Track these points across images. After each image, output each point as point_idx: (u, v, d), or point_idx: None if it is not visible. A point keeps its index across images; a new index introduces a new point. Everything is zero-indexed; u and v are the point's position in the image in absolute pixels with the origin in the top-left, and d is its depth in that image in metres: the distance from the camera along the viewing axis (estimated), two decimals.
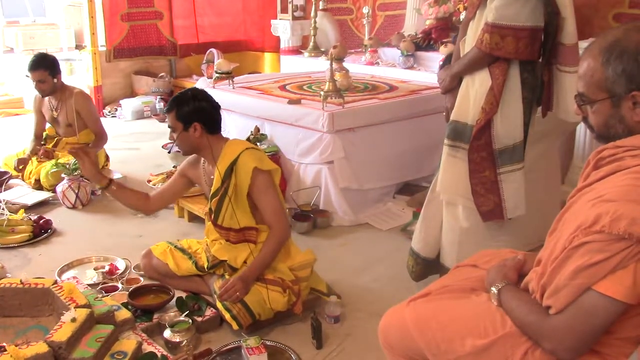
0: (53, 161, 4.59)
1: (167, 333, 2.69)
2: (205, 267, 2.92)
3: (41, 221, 3.95)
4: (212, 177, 2.91)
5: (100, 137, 4.85)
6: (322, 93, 4.15)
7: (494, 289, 1.74)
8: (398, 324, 1.86)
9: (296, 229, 3.89)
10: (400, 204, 4.32)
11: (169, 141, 5.35)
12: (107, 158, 5.07)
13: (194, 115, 2.82)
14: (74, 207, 4.30)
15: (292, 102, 4.28)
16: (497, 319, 1.68)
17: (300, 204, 4.12)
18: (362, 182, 4.19)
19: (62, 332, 2.34)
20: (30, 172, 4.63)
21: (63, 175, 4.37)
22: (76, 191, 4.30)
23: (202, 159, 2.99)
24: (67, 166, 4.38)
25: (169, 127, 2.92)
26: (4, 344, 2.36)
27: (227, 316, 2.71)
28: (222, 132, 2.97)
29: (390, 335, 1.89)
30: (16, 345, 2.28)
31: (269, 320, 2.82)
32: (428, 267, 3.08)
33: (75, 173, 4.29)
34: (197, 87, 3.07)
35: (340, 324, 2.87)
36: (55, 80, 4.67)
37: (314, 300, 2.99)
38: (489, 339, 1.65)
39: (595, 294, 1.43)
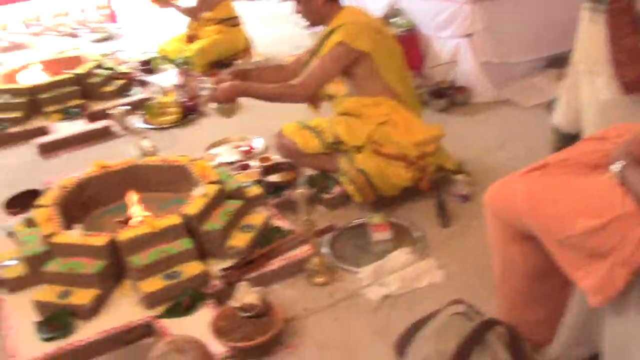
0: (197, 43, 4.78)
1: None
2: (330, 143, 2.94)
3: (189, 103, 4.16)
4: None
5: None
6: None
7: (616, 166, 1.57)
8: (507, 195, 1.77)
9: (432, 106, 3.79)
10: (550, 78, 4.00)
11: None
12: (247, 41, 5.17)
13: None
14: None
15: None
16: (617, 198, 1.52)
17: (437, 80, 3.96)
18: (506, 55, 3.91)
19: (193, 206, 2.51)
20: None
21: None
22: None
23: None
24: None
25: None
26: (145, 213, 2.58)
27: (350, 189, 2.75)
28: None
29: (496, 205, 1.80)
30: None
31: (395, 197, 2.81)
32: (569, 143, 2.86)
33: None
34: None
35: (469, 203, 2.80)
36: None
37: (442, 178, 2.92)
38: (604, 218, 1.50)
39: None
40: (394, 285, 2.30)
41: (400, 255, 2.44)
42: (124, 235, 2.39)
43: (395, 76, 2.88)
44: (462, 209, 2.76)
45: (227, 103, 2.95)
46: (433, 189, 2.82)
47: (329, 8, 2.88)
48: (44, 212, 2.58)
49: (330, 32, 2.85)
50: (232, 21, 5.07)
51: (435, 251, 2.50)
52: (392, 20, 4.20)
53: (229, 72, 3.13)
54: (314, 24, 3.02)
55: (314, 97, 2.98)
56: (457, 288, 2.25)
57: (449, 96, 3.81)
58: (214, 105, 3.00)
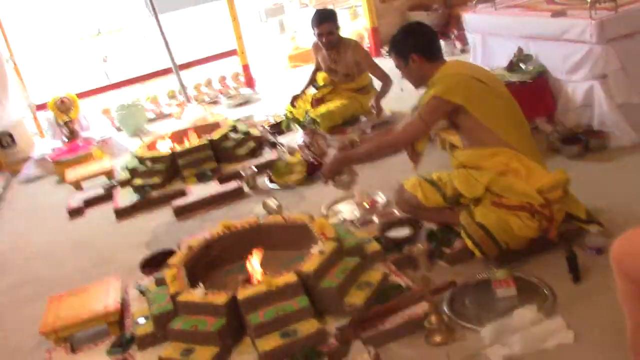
0: (324, 107, 4.87)
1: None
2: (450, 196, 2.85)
3: (314, 162, 4.24)
4: None
5: (385, 81, 5.04)
6: None
7: None
8: (636, 250, 1.60)
9: (565, 153, 3.58)
10: None
11: None
12: None
13: (409, 47, 2.90)
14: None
15: (555, 14, 3.86)
16: None
17: (570, 125, 3.75)
18: None
19: (310, 263, 2.52)
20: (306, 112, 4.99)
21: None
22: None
23: None
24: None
25: (397, 67, 3.03)
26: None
27: (469, 243, 2.64)
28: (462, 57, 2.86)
29: (624, 260, 1.64)
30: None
31: (522, 250, 2.65)
32: None
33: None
34: (411, 22, 3.10)
35: (604, 256, 2.57)
36: (338, 31, 5.02)
37: (574, 230, 2.72)
38: None
39: None
40: (517, 345, 2.15)
41: (526, 313, 2.28)
42: (243, 293, 2.44)
43: (504, 126, 2.75)
44: (595, 263, 2.54)
45: (338, 176, 3.03)
46: (563, 240, 2.63)
47: (428, 68, 2.90)
48: (172, 272, 2.70)
49: (430, 88, 2.85)
50: (365, 89, 5.17)
51: (564, 309, 2.32)
52: (521, 65, 4.07)
53: (338, 147, 3.23)
54: (418, 85, 3.05)
55: (413, 153, 2.98)
56: (588, 350, 2.07)
57: (582, 142, 3.59)
58: (329, 182, 3.08)
